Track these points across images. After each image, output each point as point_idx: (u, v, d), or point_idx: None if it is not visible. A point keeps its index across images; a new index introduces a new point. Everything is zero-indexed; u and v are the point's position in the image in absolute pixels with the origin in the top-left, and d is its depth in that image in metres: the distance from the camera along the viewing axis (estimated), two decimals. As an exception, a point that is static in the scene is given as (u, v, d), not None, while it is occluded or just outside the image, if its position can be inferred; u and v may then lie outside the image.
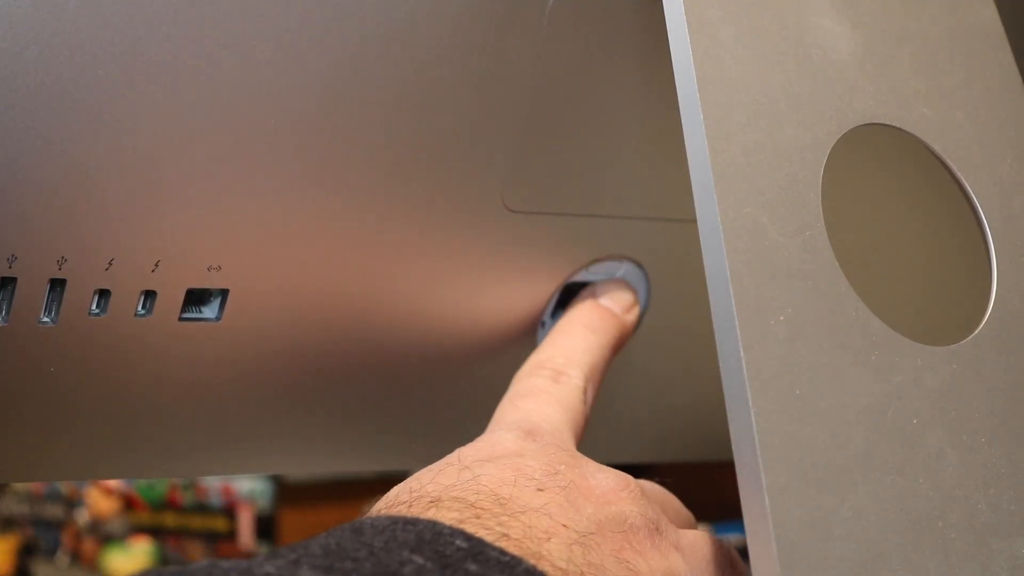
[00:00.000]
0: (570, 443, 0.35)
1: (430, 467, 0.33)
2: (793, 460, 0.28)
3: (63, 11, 0.29)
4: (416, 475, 0.33)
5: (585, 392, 0.38)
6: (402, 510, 0.30)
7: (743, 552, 0.29)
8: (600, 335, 0.40)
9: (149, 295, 0.34)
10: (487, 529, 0.28)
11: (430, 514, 0.29)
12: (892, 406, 0.31)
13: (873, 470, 0.29)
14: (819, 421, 0.29)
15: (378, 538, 0.27)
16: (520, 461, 0.32)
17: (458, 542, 0.27)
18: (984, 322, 0.34)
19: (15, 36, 0.29)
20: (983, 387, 0.33)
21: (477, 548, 0.27)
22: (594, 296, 0.41)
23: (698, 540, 0.33)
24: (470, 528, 0.28)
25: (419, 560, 0.26)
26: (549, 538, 0.29)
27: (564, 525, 0.30)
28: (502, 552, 0.27)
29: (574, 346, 0.39)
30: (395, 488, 0.32)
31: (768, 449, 0.28)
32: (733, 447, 0.28)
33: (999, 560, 0.30)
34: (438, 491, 0.31)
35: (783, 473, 0.28)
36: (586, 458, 0.34)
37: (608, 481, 0.33)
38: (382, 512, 0.31)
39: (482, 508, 0.30)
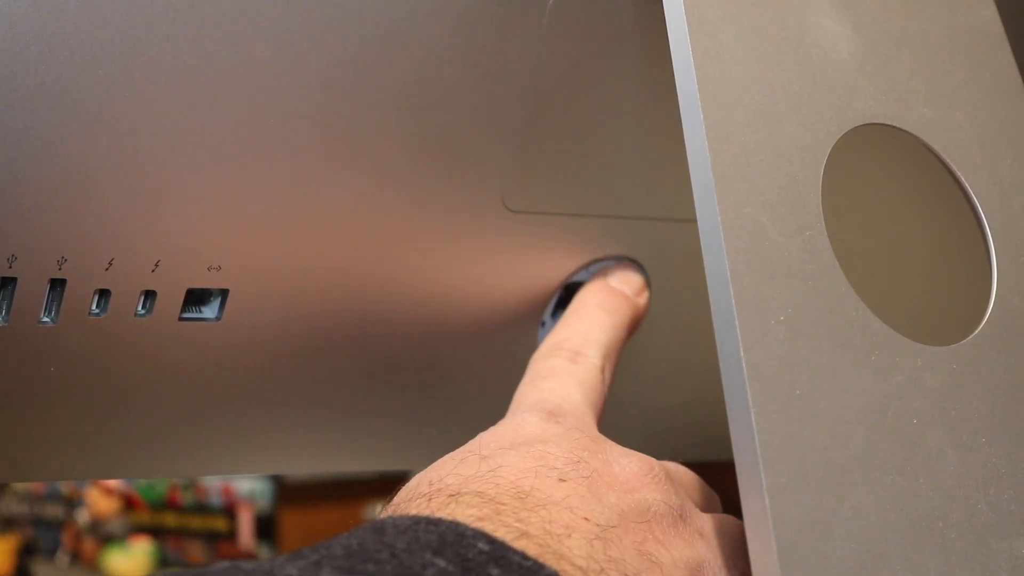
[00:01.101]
0: (591, 424, 0.35)
1: (452, 455, 0.33)
2: (793, 460, 0.28)
3: (63, 11, 0.29)
4: (437, 464, 0.32)
5: (603, 371, 0.38)
6: (422, 503, 0.30)
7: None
8: (614, 315, 0.40)
9: (149, 295, 0.34)
10: (506, 527, 0.28)
11: (450, 509, 0.29)
12: (892, 406, 0.31)
13: (873, 470, 0.29)
14: (819, 421, 0.29)
15: (400, 539, 0.27)
16: (543, 448, 0.32)
17: (480, 545, 0.27)
18: (984, 322, 0.34)
19: (15, 36, 0.29)
20: (983, 387, 0.33)
21: (499, 552, 0.27)
22: (605, 278, 0.41)
23: (724, 525, 0.33)
24: (490, 526, 0.28)
25: (441, 563, 0.26)
26: (569, 534, 0.29)
27: (585, 518, 0.30)
28: (524, 556, 0.27)
29: (590, 327, 0.39)
30: (416, 477, 0.32)
31: (768, 449, 0.28)
32: (733, 447, 0.28)
33: (999, 560, 0.30)
34: (458, 484, 0.30)
35: (783, 473, 0.28)
36: (609, 441, 0.34)
37: (632, 466, 0.32)
38: (402, 504, 0.30)
39: (502, 503, 0.29)
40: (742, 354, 0.28)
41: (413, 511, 0.29)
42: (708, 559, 0.31)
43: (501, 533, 0.28)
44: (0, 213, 0.30)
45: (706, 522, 0.32)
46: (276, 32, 0.32)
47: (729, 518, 0.34)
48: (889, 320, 0.32)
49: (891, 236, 0.35)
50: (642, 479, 0.32)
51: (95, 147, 0.31)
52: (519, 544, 0.28)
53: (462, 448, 0.33)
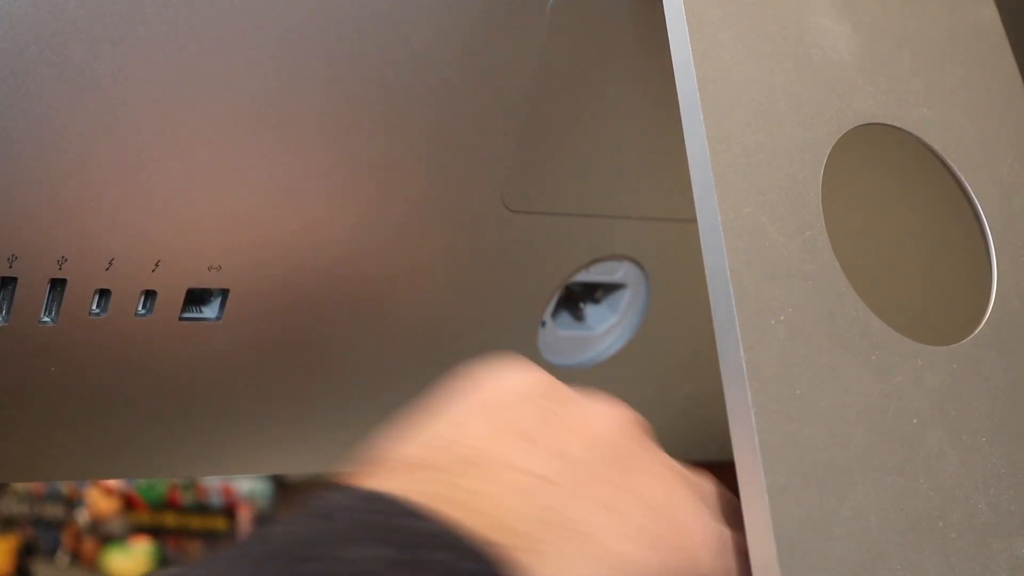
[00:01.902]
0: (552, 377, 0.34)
1: (408, 422, 0.32)
2: (793, 460, 0.28)
3: (63, 11, 0.29)
4: (394, 432, 0.31)
5: None
6: (376, 474, 0.29)
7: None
8: None
9: (149, 295, 0.34)
10: (460, 505, 0.27)
11: (399, 480, 0.28)
12: (892, 406, 0.31)
13: (873, 470, 0.29)
14: (819, 421, 0.29)
15: (344, 519, 0.26)
16: (503, 411, 0.31)
17: (429, 525, 0.26)
18: (984, 322, 0.34)
19: (15, 36, 0.29)
20: (983, 387, 0.33)
21: (446, 533, 0.26)
22: None
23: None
24: (439, 502, 0.27)
25: (390, 552, 0.26)
26: (524, 496, 0.28)
27: (543, 477, 0.29)
28: (474, 537, 0.26)
29: None
30: (373, 446, 0.31)
31: (768, 449, 0.28)
32: (733, 447, 0.28)
33: (999, 560, 0.30)
34: (411, 452, 0.30)
35: (783, 473, 0.28)
36: (570, 390, 0.32)
37: (594, 413, 0.31)
38: (355, 477, 0.30)
39: (454, 472, 0.29)
40: (742, 354, 0.28)
41: (366, 484, 0.28)
42: (682, 497, 0.30)
43: (452, 510, 0.27)
44: (0, 213, 0.31)
45: (674, 466, 0.31)
46: (276, 32, 0.32)
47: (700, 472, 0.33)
48: (889, 320, 0.32)
49: (891, 236, 0.35)
50: (607, 423, 0.31)
51: (95, 147, 0.31)
52: (470, 520, 0.27)
53: (419, 412, 0.32)
